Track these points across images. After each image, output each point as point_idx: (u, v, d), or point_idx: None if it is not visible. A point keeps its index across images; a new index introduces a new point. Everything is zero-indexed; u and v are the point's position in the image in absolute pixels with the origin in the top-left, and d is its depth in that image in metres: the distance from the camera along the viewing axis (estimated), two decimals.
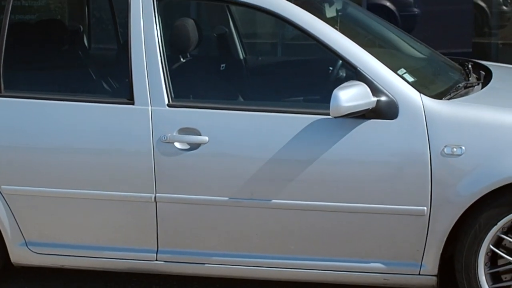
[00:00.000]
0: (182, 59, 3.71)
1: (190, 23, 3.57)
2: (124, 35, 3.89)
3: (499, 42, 8.10)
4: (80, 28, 4.44)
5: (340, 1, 3.87)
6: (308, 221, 3.11)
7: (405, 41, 3.78)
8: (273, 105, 3.22)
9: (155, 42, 3.23)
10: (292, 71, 4.13)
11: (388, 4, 8.04)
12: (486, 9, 8.25)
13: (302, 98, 3.61)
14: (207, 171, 3.14)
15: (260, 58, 4.80)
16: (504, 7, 8.32)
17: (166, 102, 3.19)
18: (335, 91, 2.91)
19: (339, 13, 3.70)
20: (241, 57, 4.37)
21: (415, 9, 7.92)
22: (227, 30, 4.34)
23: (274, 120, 3.11)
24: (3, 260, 3.45)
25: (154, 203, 3.20)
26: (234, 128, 3.13)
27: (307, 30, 3.14)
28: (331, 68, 3.92)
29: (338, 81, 3.68)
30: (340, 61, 3.61)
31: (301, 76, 3.98)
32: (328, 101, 2.98)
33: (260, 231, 3.17)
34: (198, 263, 3.25)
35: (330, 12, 3.66)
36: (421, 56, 3.74)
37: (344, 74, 3.74)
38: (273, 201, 3.11)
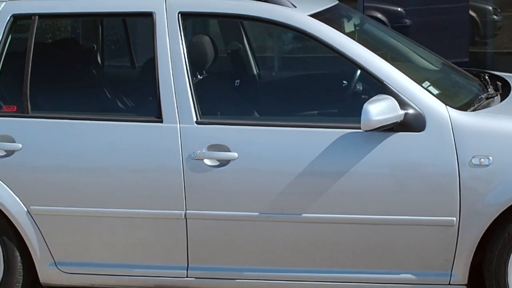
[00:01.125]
0: (199, 76, 3.75)
1: (206, 40, 3.61)
2: (141, 54, 3.92)
3: (494, 51, 8.20)
4: (94, 47, 4.46)
5: (357, 16, 3.92)
6: (338, 234, 3.14)
7: (421, 54, 3.84)
8: (301, 120, 3.26)
9: (182, 60, 3.26)
10: (309, 86, 4.17)
11: (379, 15, 8.11)
12: (477, 18, 8.36)
13: (324, 112, 3.65)
14: (237, 187, 3.17)
15: (273, 73, 4.84)
16: (495, 16, 8.42)
17: (195, 119, 3.22)
18: (365, 105, 2.95)
19: (357, 28, 3.75)
20: (255, 72, 4.40)
21: (407, 20, 7.98)
22: (241, 46, 4.38)
23: (303, 135, 3.15)
24: (31, 280, 3.46)
25: (184, 220, 3.22)
26: (263, 144, 3.16)
27: (332, 45, 3.18)
28: (345, 81, 3.98)
29: (356, 95, 3.72)
30: (358, 75, 3.68)
31: (319, 90, 4.02)
32: (353, 115, 3.03)
33: (290, 246, 3.20)
34: (229, 279, 3.27)
35: (349, 27, 3.70)
36: (439, 68, 3.80)
37: (361, 88, 3.79)
38: (304, 215, 3.14)
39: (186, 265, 3.28)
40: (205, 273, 3.27)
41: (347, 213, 3.10)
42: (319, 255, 3.18)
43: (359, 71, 3.73)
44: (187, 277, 3.29)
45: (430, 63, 3.81)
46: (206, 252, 3.26)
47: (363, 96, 3.56)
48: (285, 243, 3.20)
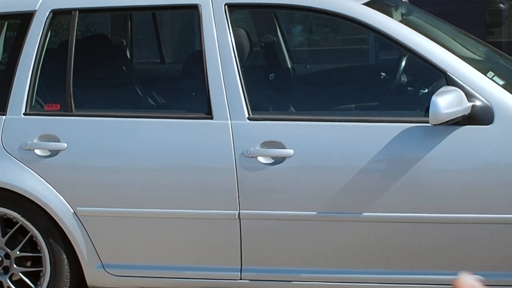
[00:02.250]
0: None
1: (242, 33, 3.46)
2: (180, 48, 3.78)
3: (509, 40, 7.97)
4: (124, 43, 4.33)
5: (404, 5, 3.75)
6: (401, 234, 2.99)
7: (473, 43, 3.67)
8: (357, 114, 3.11)
9: (231, 53, 3.12)
10: (355, 79, 3.99)
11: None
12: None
13: (380, 106, 3.49)
14: (293, 185, 3.03)
15: (308, 66, 4.67)
16: (502, 5, 8.18)
17: (246, 115, 3.08)
18: (433, 97, 2.79)
19: (404, 17, 3.58)
20: (290, 65, 4.24)
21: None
22: (275, 38, 4.23)
23: (361, 130, 3.00)
24: (76, 283, 3.35)
25: (238, 220, 3.09)
26: (320, 140, 3.02)
27: (392, 36, 3.02)
28: (383, 73, 3.83)
29: (402, 87, 3.57)
30: (402, 66, 3.52)
31: (369, 83, 3.86)
32: (413, 108, 2.88)
33: (349, 245, 3.05)
34: (285, 281, 3.13)
35: (397, 16, 3.54)
36: (496, 58, 3.62)
37: (406, 80, 3.64)
38: (364, 214, 2.99)
39: (240, 267, 3.15)
40: (260, 275, 3.14)
41: (410, 212, 2.95)
42: (380, 255, 3.03)
43: (403, 63, 3.59)
44: (240, 279, 3.16)
45: (485, 52, 3.63)
46: (260, 253, 3.12)
47: (402, 89, 3.41)
48: (343, 243, 3.05)
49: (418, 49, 3.00)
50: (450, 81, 2.93)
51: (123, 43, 4.18)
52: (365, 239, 3.03)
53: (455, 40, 3.67)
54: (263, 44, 4.21)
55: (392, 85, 3.63)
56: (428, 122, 2.86)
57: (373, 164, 2.95)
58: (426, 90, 3.39)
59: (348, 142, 3.00)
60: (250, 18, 4.37)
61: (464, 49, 3.61)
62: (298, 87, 4.11)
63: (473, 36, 3.73)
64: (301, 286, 3.13)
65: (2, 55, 4.14)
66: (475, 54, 3.60)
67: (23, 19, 3.33)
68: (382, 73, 3.86)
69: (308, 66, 4.75)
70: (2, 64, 4.20)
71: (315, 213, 3.02)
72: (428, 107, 2.97)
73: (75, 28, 3.27)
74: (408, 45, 3.01)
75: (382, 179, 2.96)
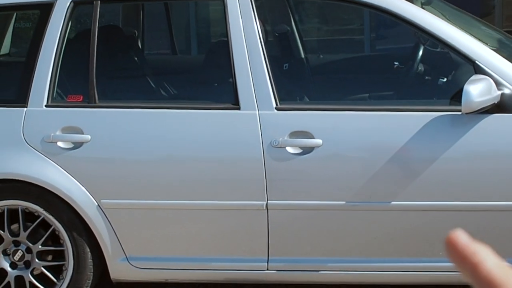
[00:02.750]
0: None
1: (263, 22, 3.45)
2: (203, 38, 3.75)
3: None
4: (136, 33, 4.30)
5: None
6: (430, 222, 3.00)
7: (494, 31, 3.69)
8: (386, 104, 3.11)
9: (257, 43, 3.10)
10: (374, 69, 4.00)
11: None
12: None
13: (405, 94, 3.48)
14: (322, 175, 3.03)
15: (321, 56, 4.67)
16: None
17: (274, 105, 3.07)
18: (465, 86, 2.80)
19: (423, 6, 3.60)
20: (303, 55, 4.24)
21: None
22: (289, 28, 4.22)
23: (390, 119, 3.00)
24: (99, 276, 3.32)
25: (266, 210, 3.08)
26: (349, 129, 3.02)
27: (419, 24, 3.03)
28: (396, 63, 3.83)
29: (419, 76, 3.58)
30: (419, 55, 3.54)
31: (385, 72, 3.87)
32: (439, 98, 2.88)
33: (378, 235, 3.06)
34: (312, 271, 3.13)
35: (417, 4, 3.55)
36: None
37: (423, 68, 3.66)
38: (393, 203, 3.00)
39: (267, 258, 3.14)
40: (287, 265, 3.14)
41: (440, 200, 2.96)
42: (408, 244, 3.04)
43: (420, 52, 3.61)
44: (267, 269, 3.15)
45: (505, 40, 3.66)
46: (287, 244, 3.12)
47: (420, 78, 3.41)
48: (372, 232, 3.06)
49: (447, 38, 3.00)
50: (479, 70, 2.94)
51: (135, 33, 4.15)
52: (393, 228, 3.04)
53: (476, 29, 3.69)
54: (276, 34, 4.19)
55: (410, 74, 3.63)
56: (457, 111, 2.88)
57: (402, 153, 2.95)
58: (445, 79, 3.41)
59: (377, 131, 3.00)
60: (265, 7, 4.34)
61: (486, 37, 3.63)
62: (314, 77, 4.09)
63: (489, 24, 3.75)
64: (328, 276, 3.13)
65: (11, 47, 4.09)
66: (496, 42, 3.62)
67: (43, 10, 3.28)
68: (396, 63, 3.87)
69: (321, 56, 4.74)
70: (10, 56, 4.15)
71: (343, 202, 3.02)
72: (455, 95, 2.99)
73: (97, 18, 3.24)
74: (438, 35, 3.01)
75: (411, 168, 2.97)
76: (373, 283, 3.16)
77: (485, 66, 2.94)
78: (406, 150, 2.96)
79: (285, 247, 3.12)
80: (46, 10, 3.27)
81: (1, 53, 3.84)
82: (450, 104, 2.99)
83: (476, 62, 2.96)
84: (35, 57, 3.23)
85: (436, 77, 3.50)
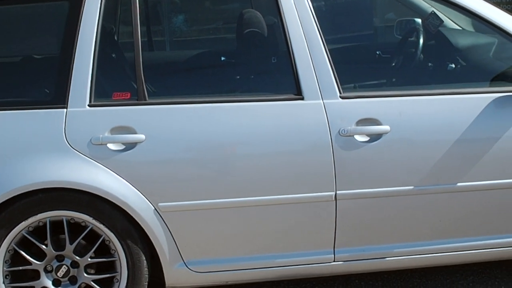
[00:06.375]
0: None
1: (259, 15, 3.38)
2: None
3: None
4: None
5: None
6: (495, 200, 3.09)
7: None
8: (449, 87, 3.14)
9: (314, 29, 3.02)
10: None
11: None
12: None
13: (460, 77, 3.48)
14: (390, 161, 3.01)
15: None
16: None
17: (338, 93, 3.01)
18: None
19: None
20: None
21: None
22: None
23: (454, 102, 3.05)
24: (151, 285, 3.09)
25: (334, 201, 3.02)
26: (414, 114, 3.03)
27: (471, 9, 3.10)
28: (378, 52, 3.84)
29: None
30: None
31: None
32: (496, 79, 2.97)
33: (443, 217, 3.10)
34: (378, 258, 3.12)
35: None
36: None
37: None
38: (459, 184, 3.05)
39: (333, 249, 3.08)
40: (353, 255, 3.10)
41: (505, 178, 3.05)
42: (475, 223, 3.11)
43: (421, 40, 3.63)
44: (334, 261, 3.09)
45: None
46: (354, 233, 3.08)
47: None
48: (438, 214, 3.09)
49: (496, 21, 3.10)
50: None
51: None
52: (458, 209, 3.10)
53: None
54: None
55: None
56: None
57: (467, 134, 3.01)
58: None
59: (441, 114, 3.03)
60: None
61: None
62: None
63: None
64: (395, 262, 3.14)
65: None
66: None
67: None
68: (378, 52, 3.84)
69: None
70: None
71: (411, 187, 3.03)
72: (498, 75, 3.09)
73: (137, 5, 2.99)
74: (488, 17, 3.10)
75: (477, 149, 3.03)
76: (439, 264, 3.20)
77: None
78: (470, 131, 3.02)
79: (352, 236, 3.08)
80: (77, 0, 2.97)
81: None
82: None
83: None
84: (70, 53, 2.94)
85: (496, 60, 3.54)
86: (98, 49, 2.95)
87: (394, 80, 3.44)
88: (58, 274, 2.97)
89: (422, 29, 3.52)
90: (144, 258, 3.01)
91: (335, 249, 3.08)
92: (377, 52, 3.77)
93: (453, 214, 3.10)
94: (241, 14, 3.62)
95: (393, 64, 3.57)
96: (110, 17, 3.23)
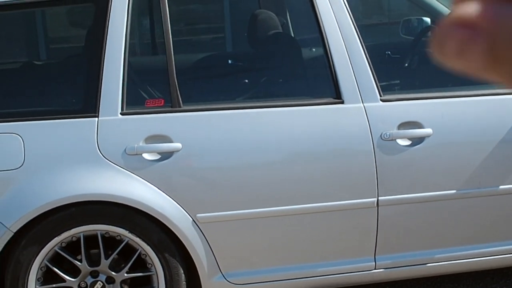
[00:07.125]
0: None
1: (273, 16, 3.29)
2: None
3: None
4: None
5: None
6: None
7: None
8: (488, 88, 3.08)
9: (352, 30, 2.93)
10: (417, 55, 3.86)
11: None
12: None
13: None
14: (433, 165, 2.94)
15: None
16: None
17: (379, 96, 2.92)
18: None
19: None
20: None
21: None
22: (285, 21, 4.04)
23: (495, 103, 2.99)
24: None
25: (376, 207, 2.93)
26: (456, 116, 2.96)
27: None
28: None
29: None
30: None
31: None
32: None
33: (484, 220, 3.04)
34: (419, 264, 3.04)
35: None
36: None
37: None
38: (501, 187, 2.99)
39: (373, 257, 3.00)
40: (395, 262, 3.02)
41: None
42: None
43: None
44: (375, 269, 3.01)
45: None
46: (395, 240, 3.00)
47: None
48: (477, 218, 3.03)
49: None
50: None
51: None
52: (498, 212, 3.04)
53: None
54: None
55: None
56: None
57: (509, 135, 2.95)
58: None
59: (483, 115, 2.97)
60: None
61: None
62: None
63: None
64: (436, 268, 3.07)
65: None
66: None
67: (98, 2, 2.85)
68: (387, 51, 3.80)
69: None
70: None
71: (454, 191, 2.97)
72: None
73: (166, 5, 2.87)
74: None
75: None
76: (484, 269, 3.14)
77: None
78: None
79: (393, 243, 3.00)
80: (102, 1, 2.84)
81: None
82: None
83: None
84: (99, 58, 2.80)
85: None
86: (128, 54, 2.82)
87: (433, 81, 3.37)
88: None
89: None
90: (182, 271, 2.89)
91: (376, 256, 3.00)
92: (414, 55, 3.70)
93: (495, 217, 3.04)
94: (254, 15, 3.51)
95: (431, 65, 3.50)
96: (139, 18, 3.09)
